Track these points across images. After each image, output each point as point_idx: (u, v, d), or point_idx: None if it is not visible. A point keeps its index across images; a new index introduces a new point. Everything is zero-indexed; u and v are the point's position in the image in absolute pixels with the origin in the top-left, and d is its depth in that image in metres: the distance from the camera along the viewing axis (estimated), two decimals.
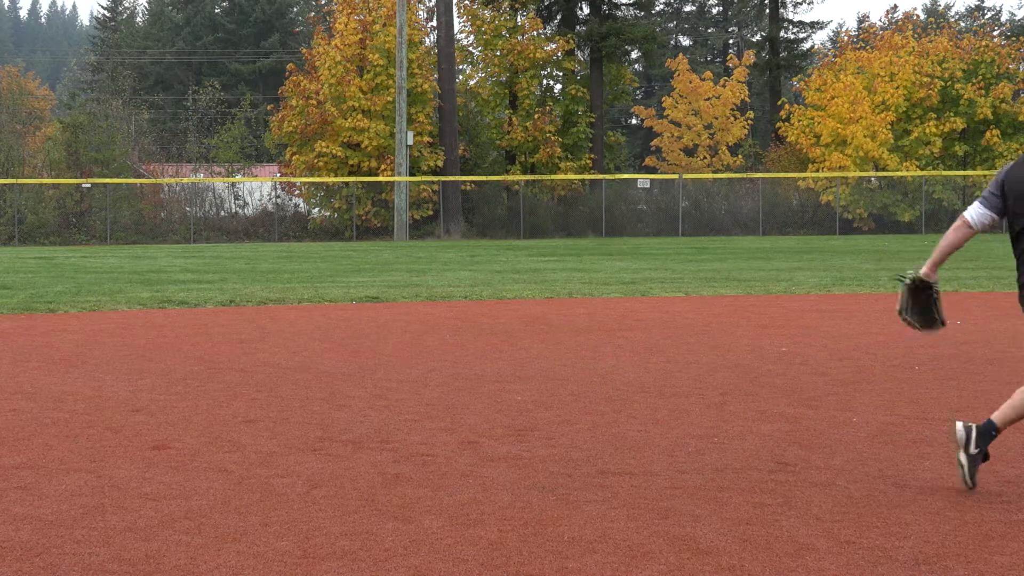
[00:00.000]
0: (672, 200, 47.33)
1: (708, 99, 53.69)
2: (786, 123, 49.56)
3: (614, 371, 10.09)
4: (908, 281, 6.01)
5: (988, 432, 5.76)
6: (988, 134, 46.22)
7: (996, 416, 5.77)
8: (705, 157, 54.29)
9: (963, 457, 5.78)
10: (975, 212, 5.75)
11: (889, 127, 45.94)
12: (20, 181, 43.00)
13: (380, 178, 44.09)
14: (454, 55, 46.84)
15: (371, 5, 46.27)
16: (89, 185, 43.50)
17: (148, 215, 44.78)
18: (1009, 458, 6.68)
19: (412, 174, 44.20)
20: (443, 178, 44.87)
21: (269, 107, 51.86)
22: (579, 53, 51.70)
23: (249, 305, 16.64)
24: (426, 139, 45.34)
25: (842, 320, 14.18)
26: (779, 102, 52.45)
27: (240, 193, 46.75)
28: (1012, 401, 5.77)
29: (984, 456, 5.78)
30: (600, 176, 47.52)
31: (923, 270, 5.97)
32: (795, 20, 60.29)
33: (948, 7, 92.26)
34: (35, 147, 50.11)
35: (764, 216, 46.09)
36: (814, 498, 5.79)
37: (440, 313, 15.36)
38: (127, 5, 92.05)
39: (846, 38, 53.24)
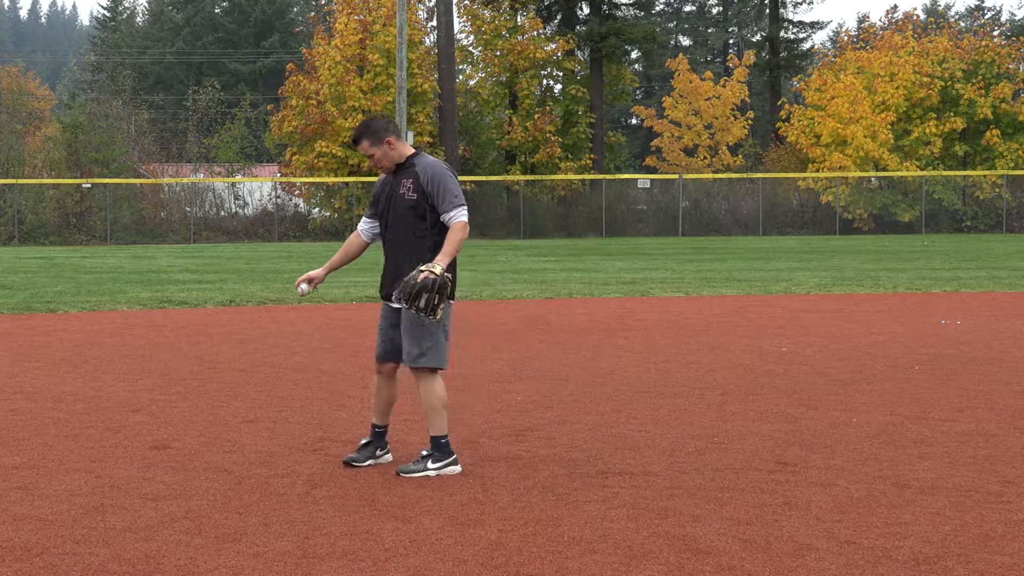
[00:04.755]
0: (672, 200, 47.33)
1: (708, 99, 53.64)
2: (786, 123, 49.53)
3: (614, 371, 10.09)
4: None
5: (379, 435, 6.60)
6: (988, 134, 46.20)
7: (377, 419, 6.62)
8: (705, 157, 54.26)
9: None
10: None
11: (889, 127, 45.91)
12: (20, 181, 42.98)
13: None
14: (454, 55, 46.83)
15: (371, 5, 46.23)
16: (89, 185, 43.48)
17: (148, 215, 44.75)
18: (1009, 458, 6.68)
19: None
20: None
21: (269, 107, 51.82)
22: (579, 53, 51.68)
23: (249, 305, 16.64)
24: (426, 139, 45.32)
25: (842, 320, 14.18)
26: (779, 102, 52.43)
27: (240, 193, 46.72)
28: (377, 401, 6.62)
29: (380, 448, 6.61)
30: (600, 176, 47.51)
31: None
32: (795, 20, 60.31)
33: (948, 7, 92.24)
34: (35, 147, 50.07)
35: (764, 216, 46.08)
36: (814, 498, 5.79)
37: None
38: (127, 5, 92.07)
39: (846, 38, 53.20)
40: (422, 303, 6.09)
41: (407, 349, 6.33)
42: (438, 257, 6.21)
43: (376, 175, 44.45)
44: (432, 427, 6.35)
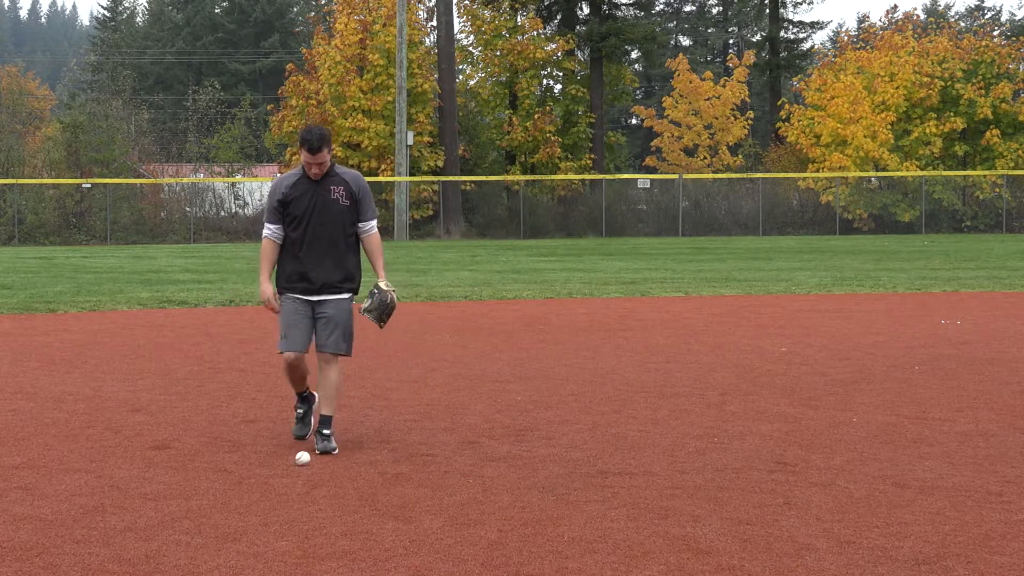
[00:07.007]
0: (672, 200, 47.31)
1: (708, 99, 53.61)
2: (786, 123, 49.50)
3: (614, 371, 10.09)
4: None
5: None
6: (988, 134, 46.17)
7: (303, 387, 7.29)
8: (705, 157, 54.24)
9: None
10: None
11: (889, 127, 45.89)
12: (20, 181, 42.96)
13: (380, 178, 44.08)
14: (454, 55, 46.82)
15: (371, 5, 46.23)
16: (89, 185, 43.46)
17: (148, 215, 44.71)
18: (1009, 458, 6.68)
19: (412, 174, 44.19)
20: (443, 178, 44.86)
21: (269, 107, 51.82)
22: (579, 53, 51.64)
23: (249, 305, 16.63)
24: (426, 139, 45.32)
25: (842, 320, 14.18)
26: (779, 102, 52.38)
27: (240, 193, 46.69)
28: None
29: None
30: (600, 176, 47.48)
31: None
32: (795, 20, 60.24)
33: (948, 7, 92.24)
34: (35, 147, 50.02)
35: (764, 216, 46.06)
36: (814, 498, 5.79)
37: (440, 313, 15.35)
38: (127, 5, 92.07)
39: (846, 38, 53.16)
40: (388, 317, 7.20)
41: (337, 338, 6.96)
42: (383, 274, 7.17)
43: (377, 175, 44.55)
44: (332, 407, 7.00)
